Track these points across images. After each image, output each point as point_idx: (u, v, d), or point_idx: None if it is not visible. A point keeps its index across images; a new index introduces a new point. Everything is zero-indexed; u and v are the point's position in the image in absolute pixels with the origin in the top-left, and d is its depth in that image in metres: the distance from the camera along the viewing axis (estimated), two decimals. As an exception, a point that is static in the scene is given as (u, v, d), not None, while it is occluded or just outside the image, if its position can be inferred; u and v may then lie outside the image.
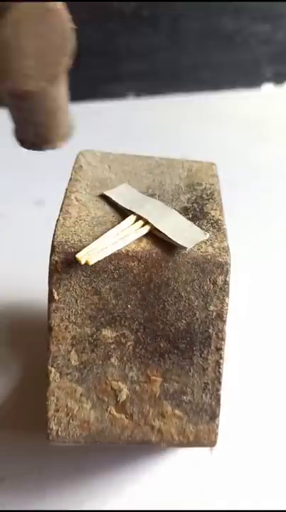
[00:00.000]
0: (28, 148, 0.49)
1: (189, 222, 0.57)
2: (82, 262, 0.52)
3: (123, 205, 0.58)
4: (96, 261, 0.52)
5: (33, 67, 0.42)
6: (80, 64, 1.36)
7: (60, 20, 0.43)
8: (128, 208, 0.58)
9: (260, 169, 1.15)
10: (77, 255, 0.52)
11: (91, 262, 0.52)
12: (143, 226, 0.56)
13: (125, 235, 0.55)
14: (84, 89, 1.32)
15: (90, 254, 0.52)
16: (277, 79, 1.43)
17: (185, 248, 0.53)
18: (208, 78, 1.37)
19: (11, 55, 0.41)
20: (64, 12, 0.43)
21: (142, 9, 1.32)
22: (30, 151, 0.50)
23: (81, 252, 0.52)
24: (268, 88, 1.42)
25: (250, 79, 1.41)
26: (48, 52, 0.43)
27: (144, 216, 0.56)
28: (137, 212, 0.57)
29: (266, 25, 1.40)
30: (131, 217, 0.57)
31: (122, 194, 0.60)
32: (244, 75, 1.41)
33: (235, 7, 1.36)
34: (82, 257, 0.52)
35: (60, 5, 0.42)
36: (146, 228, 0.55)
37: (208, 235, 0.55)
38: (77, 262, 0.52)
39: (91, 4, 1.28)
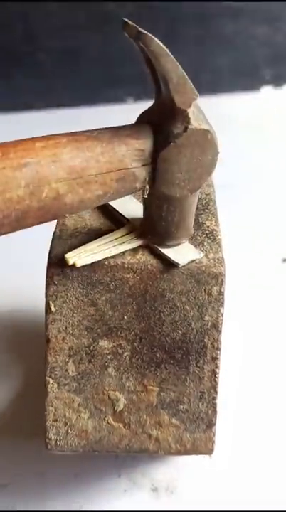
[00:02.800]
0: (153, 242, 0.55)
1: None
2: (70, 263, 0.53)
3: (122, 213, 0.58)
4: (83, 264, 0.53)
5: (183, 179, 0.51)
6: (79, 69, 1.36)
7: (213, 147, 0.52)
8: (126, 217, 0.58)
9: (259, 172, 1.15)
10: (67, 255, 0.53)
11: (78, 265, 0.53)
12: (137, 238, 0.56)
13: (118, 243, 0.55)
14: (83, 93, 1.33)
15: (79, 257, 0.53)
16: (277, 81, 1.43)
17: (178, 265, 0.54)
18: (206, 81, 1.37)
19: (169, 169, 0.50)
20: (216, 138, 0.52)
21: (140, 13, 1.33)
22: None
23: (71, 252, 0.53)
24: (268, 91, 1.43)
25: (249, 82, 1.41)
26: (197, 168, 0.52)
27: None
28: (135, 224, 0.57)
29: (265, 27, 1.40)
30: (127, 227, 0.57)
31: (123, 203, 0.60)
32: (243, 77, 1.41)
33: (234, 9, 1.37)
34: (71, 257, 0.53)
35: (213, 131, 0.51)
36: (140, 241, 0.56)
37: (202, 254, 0.55)
38: (73, 272, 0.53)
39: (88, 8, 1.29)
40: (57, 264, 0.54)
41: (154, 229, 0.55)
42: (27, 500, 0.62)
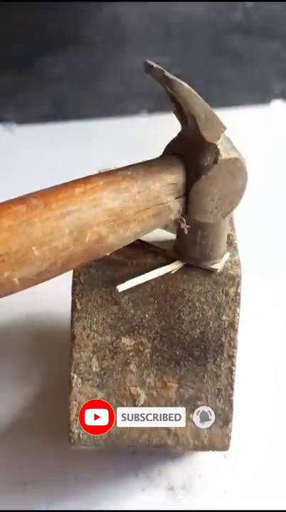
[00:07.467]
0: (189, 262, 0.57)
1: None
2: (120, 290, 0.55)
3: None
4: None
5: (216, 206, 0.52)
6: (94, 82, 1.38)
7: (243, 173, 0.53)
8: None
9: (269, 185, 1.16)
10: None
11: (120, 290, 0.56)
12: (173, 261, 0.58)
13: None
14: (98, 106, 1.35)
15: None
16: (286, 95, 1.45)
17: (216, 270, 0.57)
18: (217, 95, 1.39)
19: (202, 199, 0.51)
20: (245, 164, 0.53)
21: (153, 29, 1.36)
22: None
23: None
24: (277, 105, 1.45)
25: (259, 96, 1.43)
26: (228, 195, 0.53)
27: (162, 247, 0.59)
28: (159, 246, 0.59)
29: (275, 42, 1.43)
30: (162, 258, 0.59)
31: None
32: (253, 91, 1.43)
33: (244, 25, 1.39)
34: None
35: (242, 158, 0.52)
36: (178, 264, 0.57)
37: (228, 254, 0.58)
38: (98, 273, 0.57)
39: (104, 23, 1.32)
40: (82, 264, 0.56)
41: (189, 253, 0.56)
42: (47, 499, 0.63)
